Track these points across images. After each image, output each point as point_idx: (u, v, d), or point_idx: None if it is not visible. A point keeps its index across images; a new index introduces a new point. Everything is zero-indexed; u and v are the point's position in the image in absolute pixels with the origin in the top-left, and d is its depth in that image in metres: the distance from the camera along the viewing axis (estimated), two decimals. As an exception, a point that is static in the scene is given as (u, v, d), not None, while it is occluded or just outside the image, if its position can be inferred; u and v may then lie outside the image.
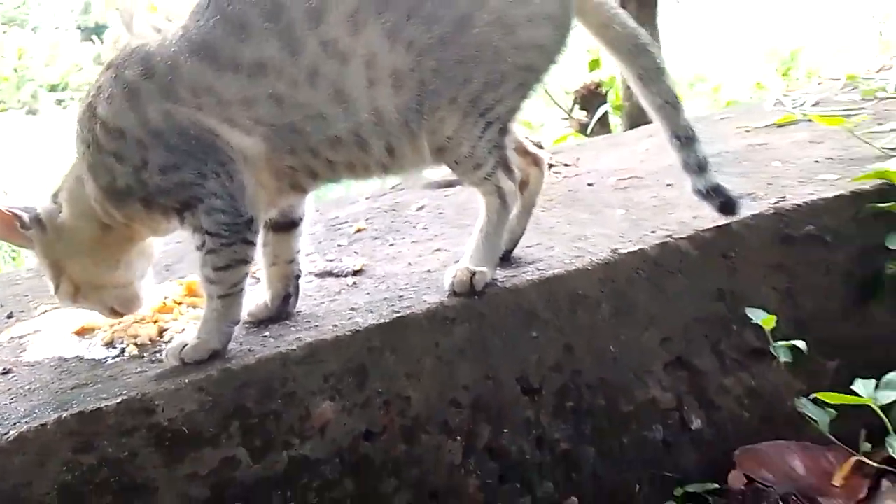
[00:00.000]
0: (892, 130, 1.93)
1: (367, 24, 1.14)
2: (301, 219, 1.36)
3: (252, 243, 1.23)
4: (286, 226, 1.34)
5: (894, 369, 1.29)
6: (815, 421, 1.33)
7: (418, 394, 1.26)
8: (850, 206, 1.52)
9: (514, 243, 1.43)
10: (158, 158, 1.18)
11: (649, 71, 1.36)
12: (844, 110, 2.20)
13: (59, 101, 19.97)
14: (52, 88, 20.57)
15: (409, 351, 1.26)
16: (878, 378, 1.28)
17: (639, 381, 1.39)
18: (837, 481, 1.35)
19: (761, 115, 2.34)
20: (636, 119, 3.11)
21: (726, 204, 1.39)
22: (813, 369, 1.44)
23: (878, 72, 3.09)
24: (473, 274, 1.27)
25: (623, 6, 3.13)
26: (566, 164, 2.19)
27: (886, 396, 1.23)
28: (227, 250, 1.20)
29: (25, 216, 1.27)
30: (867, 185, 1.54)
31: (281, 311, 1.32)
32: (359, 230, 1.84)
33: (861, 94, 2.38)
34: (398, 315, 1.27)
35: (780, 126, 2.19)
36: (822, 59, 8.50)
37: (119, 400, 1.10)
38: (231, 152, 1.18)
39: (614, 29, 1.35)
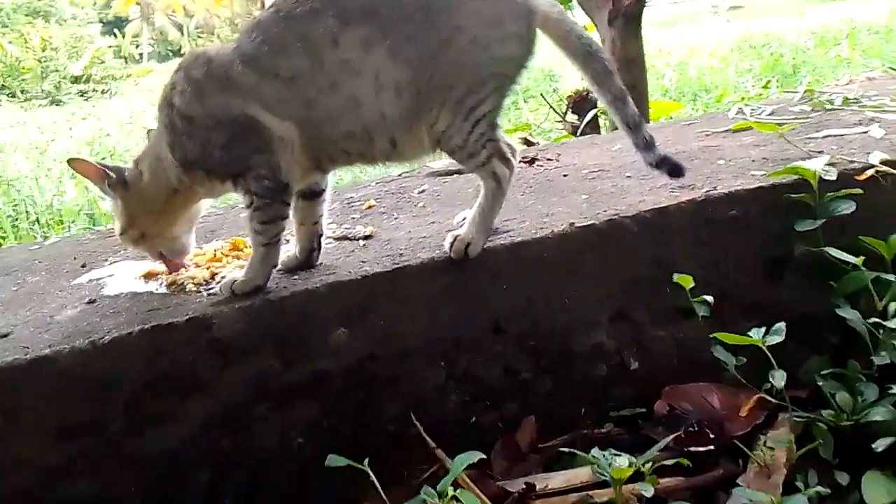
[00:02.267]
0: (825, 137, 2.28)
1: (375, 46, 1.50)
2: (324, 190, 1.74)
3: (288, 204, 1.60)
4: (312, 195, 1.71)
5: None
6: (724, 363, 1.67)
7: (411, 327, 1.62)
8: (768, 196, 1.86)
9: None
10: (218, 138, 1.56)
11: (600, 73, 1.67)
12: (792, 118, 2.54)
13: (82, 93, 20.52)
14: (76, 80, 21.14)
15: (405, 294, 1.62)
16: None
17: (587, 329, 1.75)
18: (743, 413, 1.70)
19: (723, 122, 2.68)
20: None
21: (673, 169, 1.70)
22: (733, 328, 1.78)
23: (843, 86, 3.42)
24: (468, 244, 1.63)
25: (610, 23, 3.51)
26: (549, 159, 2.54)
27: (773, 339, 1.58)
28: (269, 208, 1.57)
29: (114, 175, 1.66)
30: (784, 179, 1.88)
31: (307, 262, 1.69)
32: (369, 206, 2.21)
33: (811, 105, 2.72)
34: (397, 266, 1.63)
35: (735, 131, 2.53)
36: (824, 73, 8.81)
37: (185, 318, 1.48)
38: (271, 135, 1.55)
39: (571, 40, 1.67)
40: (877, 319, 1.68)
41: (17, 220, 5.94)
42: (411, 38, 1.52)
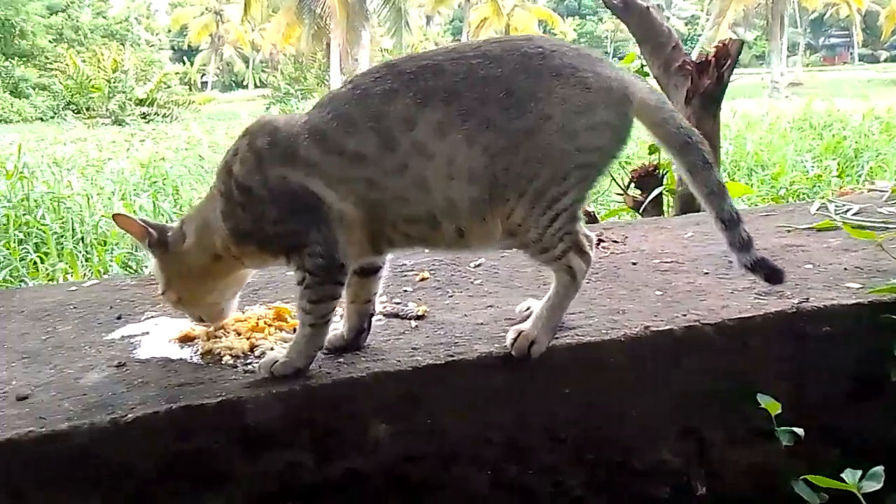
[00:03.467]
0: (922, 248, 2.08)
1: (450, 131, 1.39)
2: (381, 267, 1.61)
3: (341, 284, 1.47)
4: (368, 272, 1.59)
5: (882, 464, 1.43)
6: (807, 502, 1.47)
7: (459, 427, 1.47)
8: (866, 314, 1.68)
9: None
10: (274, 212, 1.45)
11: (697, 165, 1.53)
12: (882, 222, 2.35)
13: (145, 115, 21.19)
14: (140, 102, 21.86)
15: (457, 390, 1.47)
16: (867, 469, 1.43)
17: (652, 444, 1.57)
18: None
19: (803, 217, 2.50)
20: (688, 203, 3.28)
21: (771, 274, 1.54)
22: (814, 454, 1.59)
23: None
24: (532, 342, 1.48)
25: (687, 102, 3.37)
26: (614, 241, 2.39)
27: (870, 486, 1.38)
28: (321, 287, 1.45)
29: (155, 235, 1.56)
30: (885, 296, 1.70)
31: (355, 342, 1.56)
32: (422, 279, 2.08)
33: (903, 207, 2.52)
34: (451, 359, 1.49)
35: (818, 230, 2.35)
36: (888, 161, 8.51)
37: (217, 400, 1.35)
38: (330, 212, 1.44)
39: (668, 129, 1.54)
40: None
41: (62, 237, 5.98)
42: (492, 123, 1.40)
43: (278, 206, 1.44)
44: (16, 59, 24.89)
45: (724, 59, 3.44)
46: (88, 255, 5.65)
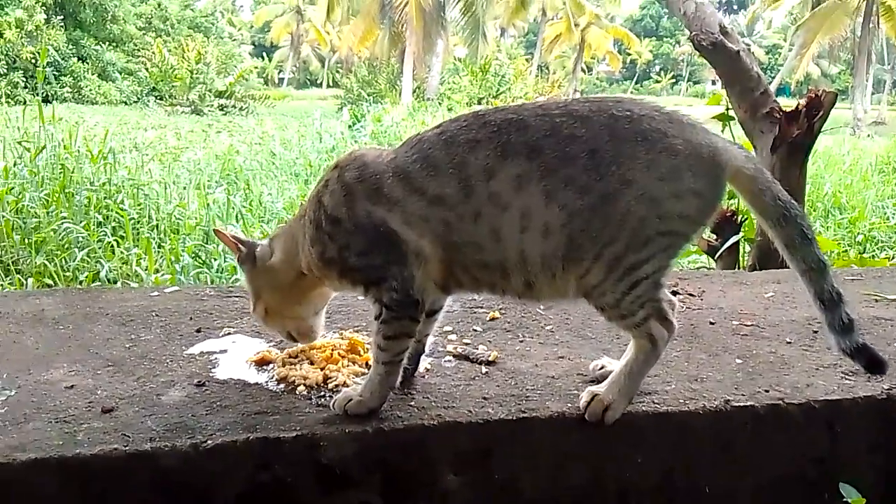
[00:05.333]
0: None
1: (529, 185, 1.38)
2: (440, 310, 1.63)
3: (417, 321, 1.48)
4: (429, 313, 1.59)
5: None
6: None
7: (531, 484, 1.45)
8: (964, 406, 1.59)
9: None
10: (358, 244, 1.47)
11: (795, 240, 1.47)
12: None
13: (222, 107, 21.84)
14: (219, 94, 22.54)
15: (529, 446, 1.46)
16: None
17: (726, 524, 1.51)
18: None
19: (892, 283, 2.39)
20: (766, 254, 3.18)
21: (873, 364, 1.47)
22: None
23: None
24: (607, 408, 1.45)
25: (773, 150, 3.28)
26: (690, 294, 2.33)
27: None
28: (396, 323, 1.46)
29: (244, 251, 1.63)
30: None
31: (402, 380, 1.56)
32: (492, 318, 2.07)
33: None
34: (524, 415, 1.47)
35: (911, 302, 2.24)
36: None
37: (294, 434, 1.37)
38: (408, 249, 1.45)
39: (764, 200, 1.48)
40: None
41: (138, 222, 6.19)
42: (572, 182, 1.38)
43: (362, 239, 1.46)
44: (106, 43, 25.95)
45: (816, 110, 3.33)
46: (161, 243, 5.83)
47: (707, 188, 1.43)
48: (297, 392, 1.56)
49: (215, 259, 5.37)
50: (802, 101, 3.32)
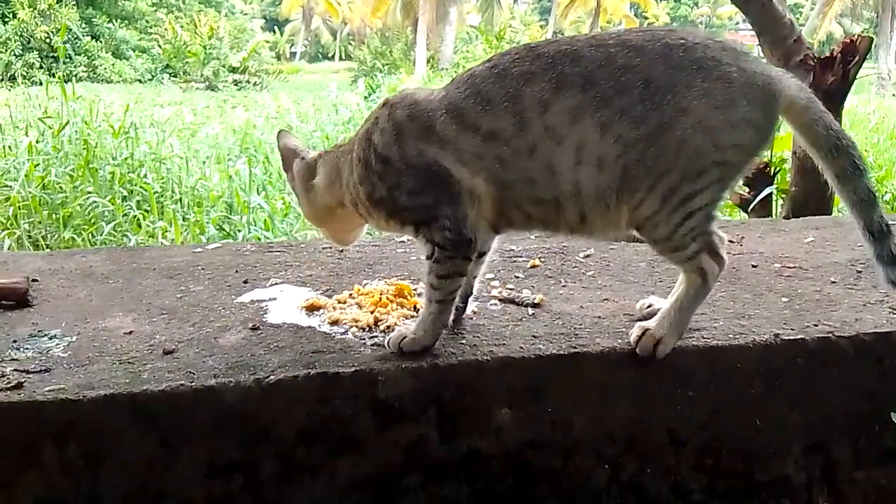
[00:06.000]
0: None
1: (584, 117, 1.37)
2: (487, 251, 1.64)
3: (469, 259, 1.49)
4: (478, 254, 1.59)
5: None
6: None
7: (581, 420, 1.47)
8: None
9: None
10: (409, 184, 1.47)
11: (847, 171, 1.46)
12: None
13: (237, 83, 21.81)
14: (233, 70, 22.50)
15: (580, 383, 1.48)
16: None
17: (776, 457, 1.53)
18: None
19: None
20: (800, 206, 3.16)
21: None
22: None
23: None
24: (658, 342, 1.46)
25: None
26: (730, 241, 2.32)
27: None
28: (449, 262, 1.47)
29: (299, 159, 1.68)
30: None
31: (455, 319, 1.59)
32: (533, 266, 2.08)
33: None
34: (575, 351, 1.49)
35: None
36: None
37: (353, 369, 1.40)
38: (461, 188, 1.45)
39: (817, 130, 1.47)
40: None
41: (162, 196, 6.24)
42: (627, 113, 1.37)
43: (413, 178, 1.46)
44: (118, 20, 25.89)
45: (851, 56, 3.28)
46: (186, 216, 5.88)
47: (762, 118, 1.42)
48: (350, 334, 1.58)
49: (239, 230, 5.42)
50: (837, 48, 3.26)
